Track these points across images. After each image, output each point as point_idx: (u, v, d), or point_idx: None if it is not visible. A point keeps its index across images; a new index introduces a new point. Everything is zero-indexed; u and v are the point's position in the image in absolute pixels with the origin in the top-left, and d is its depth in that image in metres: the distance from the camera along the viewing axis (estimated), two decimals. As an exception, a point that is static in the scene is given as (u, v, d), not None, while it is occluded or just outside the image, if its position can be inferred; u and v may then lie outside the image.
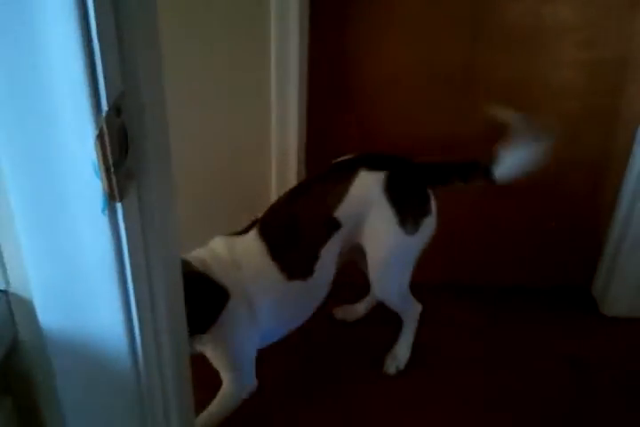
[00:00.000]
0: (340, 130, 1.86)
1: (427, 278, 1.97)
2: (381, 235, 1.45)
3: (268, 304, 1.36)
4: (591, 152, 1.83)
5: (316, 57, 1.71)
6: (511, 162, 1.46)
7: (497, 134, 1.79)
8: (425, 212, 1.47)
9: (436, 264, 1.98)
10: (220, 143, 1.72)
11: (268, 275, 1.36)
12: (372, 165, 1.45)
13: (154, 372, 0.68)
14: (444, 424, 1.50)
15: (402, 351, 1.67)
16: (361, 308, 1.85)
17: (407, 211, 1.44)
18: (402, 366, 1.66)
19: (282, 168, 1.77)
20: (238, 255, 1.35)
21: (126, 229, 0.57)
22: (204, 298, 1.23)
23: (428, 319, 1.83)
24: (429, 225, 1.49)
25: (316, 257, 1.40)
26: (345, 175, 1.44)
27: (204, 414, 1.35)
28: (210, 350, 1.34)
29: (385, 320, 1.70)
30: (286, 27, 1.58)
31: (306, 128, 1.77)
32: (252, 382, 1.42)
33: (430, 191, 1.49)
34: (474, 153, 1.80)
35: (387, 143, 1.82)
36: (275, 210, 1.45)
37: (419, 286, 1.95)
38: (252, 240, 1.38)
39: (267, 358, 1.66)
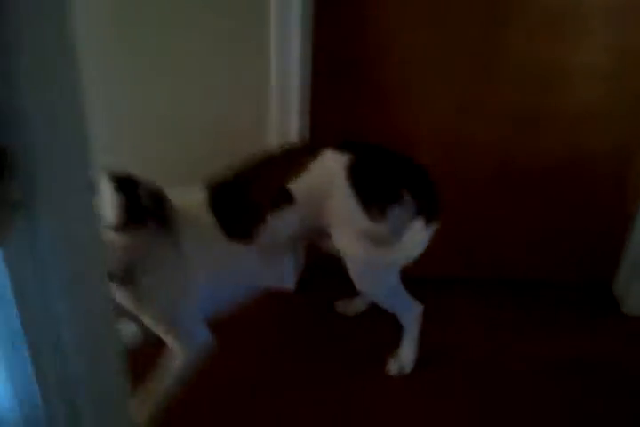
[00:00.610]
0: (345, 118, 1.71)
1: (438, 273, 1.86)
2: (346, 222, 1.34)
3: (201, 258, 1.26)
4: (618, 141, 1.65)
5: (322, 38, 1.58)
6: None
7: (512, 125, 1.66)
8: (393, 199, 1.33)
9: (448, 258, 1.86)
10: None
11: (204, 228, 1.28)
12: (341, 148, 1.34)
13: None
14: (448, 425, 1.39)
15: (405, 354, 1.56)
16: (361, 302, 1.75)
17: (371, 197, 1.32)
18: (407, 370, 1.55)
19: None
20: (178, 201, 1.24)
21: (11, 276, 0.44)
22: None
23: (436, 315, 1.72)
24: (403, 214, 1.34)
25: (260, 223, 1.31)
26: (310, 152, 1.36)
27: (158, 387, 1.26)
28: (142, 307, 1.23)
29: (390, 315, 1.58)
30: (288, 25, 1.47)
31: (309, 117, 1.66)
32: (201, 339, 1.30)
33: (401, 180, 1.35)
34: (485, 147, 1.68)
35: (393, 132, 1.69)
36: (230, 170, 1.36)
37: (429, 280, 1.85)
38: (196, 191, 1.31)
39: (263, 351, 1.61)
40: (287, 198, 1.32)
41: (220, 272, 1.32)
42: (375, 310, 1.71)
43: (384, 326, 1.62)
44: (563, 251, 1.84)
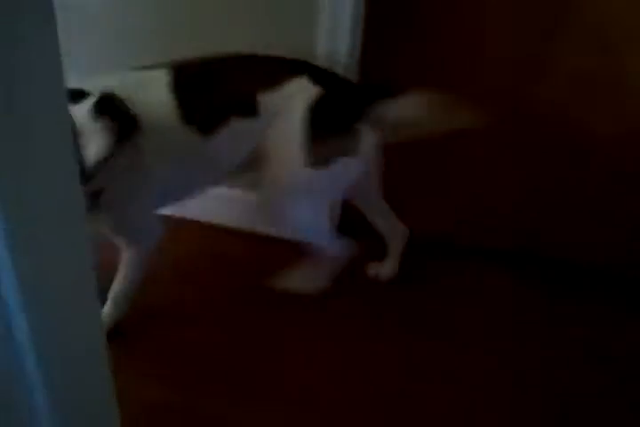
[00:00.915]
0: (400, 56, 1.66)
1: (468, 242, 1.81)
2: (286, 152, 1.32)
3: (159, 153, 1.27)
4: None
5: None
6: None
7: (574, 86, 1.56)
8: (344, 149, 1.32)
9: (478, 227, 1.81)
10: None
11: (164, 109, 1.27)
12: (315, 78, 1.33)
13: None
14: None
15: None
16: (393, 265, 1.70)
17: (321, 138, 1.31)
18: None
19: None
20: (132, 88, 1.26)
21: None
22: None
23: (463, 288, 1.68)
24: (350, 166, 1.34)
25: (222, 120, 1.31)
26: (290, 70, 1.34)
27: (119, 284, 1.38)
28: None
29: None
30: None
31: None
32: (153, 234, 1.38)
33: (363, 129, 1.33)
34: (544, 108, 1.59)
35: (445, 80, 1.62)
36: (205, 58, 1.35)
37: (463, 250, 1.81)
38: (159, 73, 1.30)
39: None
40: (253, 110, 1.32)
41: (176, 168, 1.32)
42: (407, 277, 1.69)
43: (413, 293, 1.62)
44: (605, 231, 1.73)
